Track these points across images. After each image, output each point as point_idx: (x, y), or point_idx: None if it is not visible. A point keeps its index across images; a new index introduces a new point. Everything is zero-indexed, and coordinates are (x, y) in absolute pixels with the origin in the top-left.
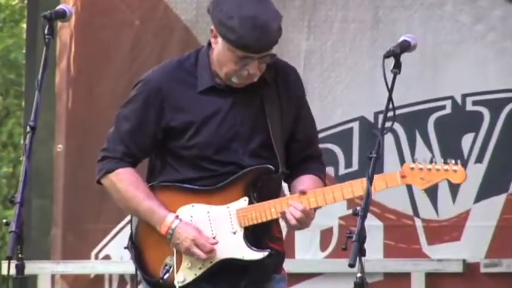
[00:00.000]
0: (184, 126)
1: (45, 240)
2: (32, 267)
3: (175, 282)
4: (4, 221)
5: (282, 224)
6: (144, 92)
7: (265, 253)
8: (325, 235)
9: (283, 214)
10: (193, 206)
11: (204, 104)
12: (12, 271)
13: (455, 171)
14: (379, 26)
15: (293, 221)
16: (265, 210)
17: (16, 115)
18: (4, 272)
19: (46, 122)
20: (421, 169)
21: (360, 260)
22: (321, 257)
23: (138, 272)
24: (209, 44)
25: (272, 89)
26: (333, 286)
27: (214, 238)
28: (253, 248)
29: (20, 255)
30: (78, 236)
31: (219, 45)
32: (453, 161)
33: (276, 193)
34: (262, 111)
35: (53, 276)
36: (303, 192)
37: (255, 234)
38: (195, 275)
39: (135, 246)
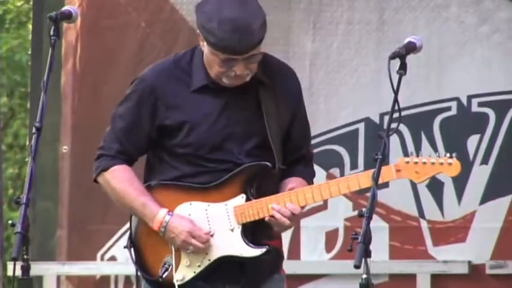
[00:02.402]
0: (178, 125)
1: (51, 241)
2: (37, 269)
3: (174, 281)
4: (10, 222)
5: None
6: (138, 90)
7: (263, 250)
8: (331, 236)
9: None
10: (191, 203)
11: (197, 103)
12: (18, 272)
13: (450, 164)
14: (384, 28)
15: (281, 220)
16: (263, 207)
17: (21, 116)
18: (10, 273)
19: (52, 123)
20: (416, 163)
21: (365, 261)
22: (327, 258)
23: (139, 272)
24: None
25: (269, 88)
26: (338, 287)
27: (212, 236)
28: (250, 244)
29: (25, 256)
30: (84, 237)
31: (205, 48)
32: (448, 155)
33: (274, 189)
34: (258, 111)
35: (58, 278)
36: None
37: (253, 231)
38: (194, 272)
39: (134, 246)
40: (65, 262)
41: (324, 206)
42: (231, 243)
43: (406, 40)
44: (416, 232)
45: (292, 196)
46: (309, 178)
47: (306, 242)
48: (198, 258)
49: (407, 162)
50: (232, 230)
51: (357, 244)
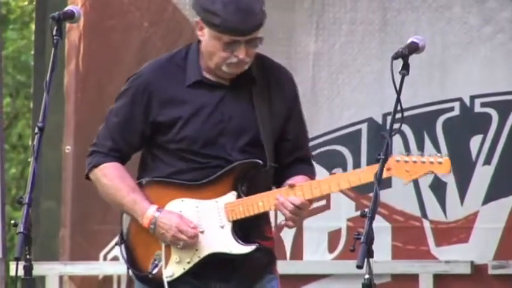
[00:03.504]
0: (171, 120)
1: (54, 241)
2: (40, 268)
3: (164, 277)
4: (12, 222)
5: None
6: (133, 87)
7: (253, 247)
8: (333, 236)
9: (277, 206)
10: (182, 200)
11: (191, 98)
12: (20, 272)
13: (440, 163)
14: (387, 28)
15: (287, 215)
16: (253, 204)
17: (26, 117)
18: (12, 273)
19: (55, 124)
20: (406, 161)
21: (368, 261)
22: (329, 258)
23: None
24: (199, 40)
25: (262, 86)
26: (342, 287)
27: (202, 232)
28: (240, 241)
29: (28, 256)
30: (87, 237)
31: (205, 36)
32: (438, 154)
33: (265, 187)
34: (251, 107)
35: (61, 278)
36: (292, 186)
37: (243, 229)
38: (184, 269)
39: (125, 243)
40: (67, 262)
41: (326, 206)
42: (220, 240)
43: (409, 40)
44: (418, 232)
45: (283, 192)
46: (312, 176)
47: (308, 242)
48: (187, 255)
49: (398, 161)
50: (222, 227)
51: (360, 244)
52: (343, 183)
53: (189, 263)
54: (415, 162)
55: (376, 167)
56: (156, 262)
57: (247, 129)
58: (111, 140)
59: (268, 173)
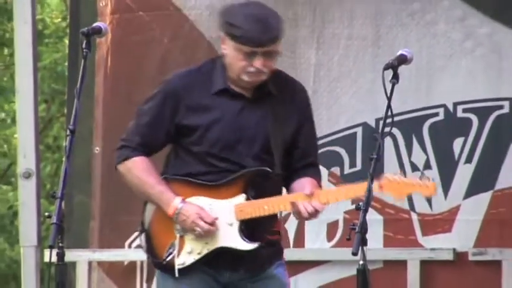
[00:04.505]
0: (196, 124)
1: (85, 231)
2: (71, 255)
3: (176, 265)
4: (46, 214)
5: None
6: (163, 91)
7: (256, 245)
8: (332, 227)
9: (293, 205)
10: (198, 198)
11: (215, 105)
12: (54, 258)
13: (427, 186)
14: (379, 43)
15: (305, 214)
16: (259, 207)
17: (60, 121)
18: (47, 259)
19: (86, 127)
20: (397, 182)
21: (362, 249)
22: (328, 246)
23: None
24: (224, 55)
25: (278, 100)
26: (338, 272)
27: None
28: (245, 239)
29: (60, 244)
30: (113, 228)
31: (228, 49)
32: (427, 177)
33: (273, 192)
34: (266, 118)
35: (90, 263)
36: (311, 194)
37: (249, 228)
38: (194, 259)
39: (145, 232)
40: (96, 249)
41: None
42: (228, 236)
43: (398, 53)
44: (407, 223)
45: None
46: (318, 179)
47: (309, 232)
48: (199, 247)
49: (390, 181)
50: (231, 225)
51: (355, 234)
52: (357, 191)
53: (199, 254)
54: (405, 182)
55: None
56: (171, 251)
57: (260, 138)
58: (140, 137)
59: (276, 180)
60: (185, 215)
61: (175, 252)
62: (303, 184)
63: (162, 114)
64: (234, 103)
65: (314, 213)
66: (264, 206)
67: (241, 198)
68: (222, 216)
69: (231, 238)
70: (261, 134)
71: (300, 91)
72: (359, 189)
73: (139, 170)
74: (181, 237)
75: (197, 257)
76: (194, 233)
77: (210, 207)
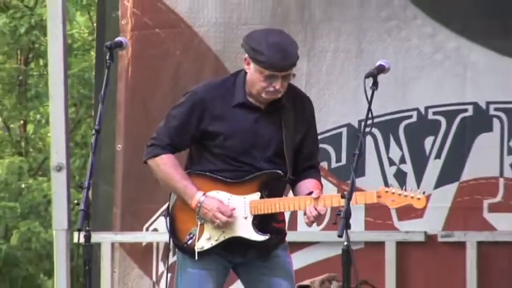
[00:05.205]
0: (218, 131)
1: (108, 216)
2: (96, 237)
3: (195, 248)
4: (75, 201)
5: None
6: (191, 100)
7: (266, 237)
8: None
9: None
10: (218, 192)
11: (236, 116)
12: (82, 240)
13: (418, 199)
14: (362, 55)
15: (310, 218)
16: (272, 205)
17: (87, 122)
18: (75, 240)
19: (110, 127)
20: (393, 193)
21: (346, 232)
22: (318, 229)
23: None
24: (245, 71)
25: (290, 112)
26: (326, 252)
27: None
28: (258, 231)
29: (87, 228)
30: (133, 214)
31: (251, 70)
32: (419, 191)
33: (280, 192)
34: (279, 128)
35: (112, 244)
36: (317, 198)
37: (261, 221)
38: (211, 244)
39: (170, 216)
40: (118, 232)
41: None
42: (243, 228)
43: (378, 63)
44: (385, 210)
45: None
46: (317, 177)
47: (301, 217)
48: (216, 234)
49: (387, 192)
50: (245, 218)
51: (340, 219)
52: (366, 199)
53: (216, 240)
54: (399, 194)
55: (367, 194)
56: (191, 235)
57: (274, 144)
58: (169, 137)
59: (285, 182)
60: (206, 208)
61: (196, 237)
62: (308, 186)
63: (189, 121)
64: (251, 115)
65: (317, 217)
66: (276, 204)
67: (256, 196)
68: (238, 210)
69: (246, 230)
70: (274, 141)
71: (309, 103)
72: (360, 197)
73: (167, 166)
74: (202, 224)
75: (214, 243)
76: (213, 224)
77: (229, 201)
